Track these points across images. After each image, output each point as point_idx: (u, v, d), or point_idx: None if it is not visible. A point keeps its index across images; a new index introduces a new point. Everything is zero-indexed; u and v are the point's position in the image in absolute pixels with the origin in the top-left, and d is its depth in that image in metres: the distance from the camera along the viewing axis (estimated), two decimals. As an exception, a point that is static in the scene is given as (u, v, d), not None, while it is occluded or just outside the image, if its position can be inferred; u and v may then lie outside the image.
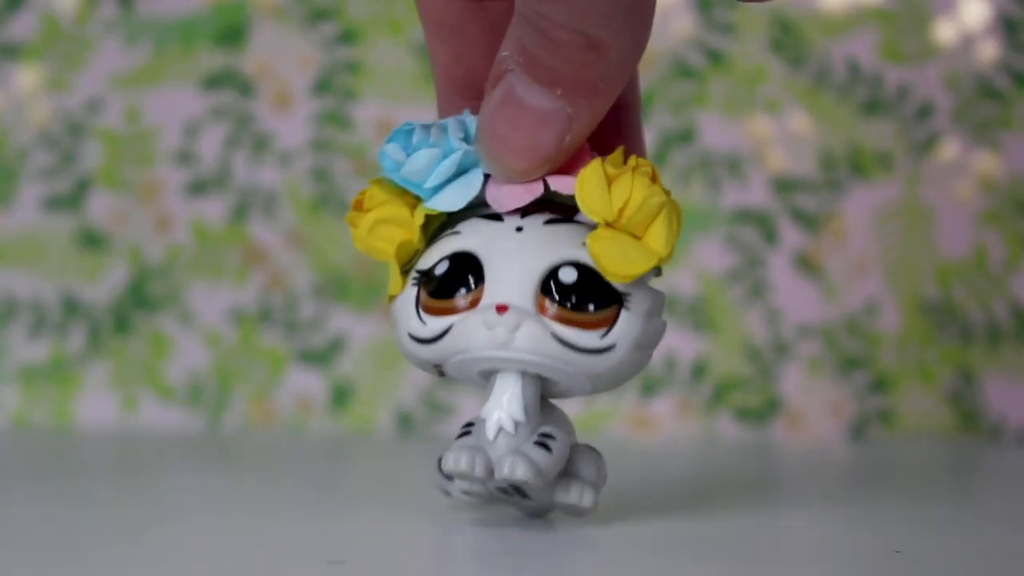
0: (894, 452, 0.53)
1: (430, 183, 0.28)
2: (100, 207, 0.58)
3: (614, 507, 0.31)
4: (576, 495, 0.30)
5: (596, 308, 0.28)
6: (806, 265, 0.57)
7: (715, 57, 0.58)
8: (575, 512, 0.30)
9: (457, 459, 0.28)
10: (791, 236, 0.57)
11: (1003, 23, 0.57)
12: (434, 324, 0.28)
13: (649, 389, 0.57)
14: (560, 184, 0.28)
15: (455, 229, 0.29)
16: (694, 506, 0.35)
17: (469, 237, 0.29)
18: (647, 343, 0.29)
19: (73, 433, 0.56)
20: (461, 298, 0.28)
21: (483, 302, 0.28)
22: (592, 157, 0.28)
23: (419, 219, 0.29)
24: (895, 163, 0.57)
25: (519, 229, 0.28)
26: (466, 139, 0.28)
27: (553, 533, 0.29)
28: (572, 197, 0.28)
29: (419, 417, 0.57)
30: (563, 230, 0.28)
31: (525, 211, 0.29)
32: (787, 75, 0.58)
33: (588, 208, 0.27)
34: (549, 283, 0.28)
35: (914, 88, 0.57)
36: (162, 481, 0.41)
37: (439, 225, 0.29)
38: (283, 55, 0.58)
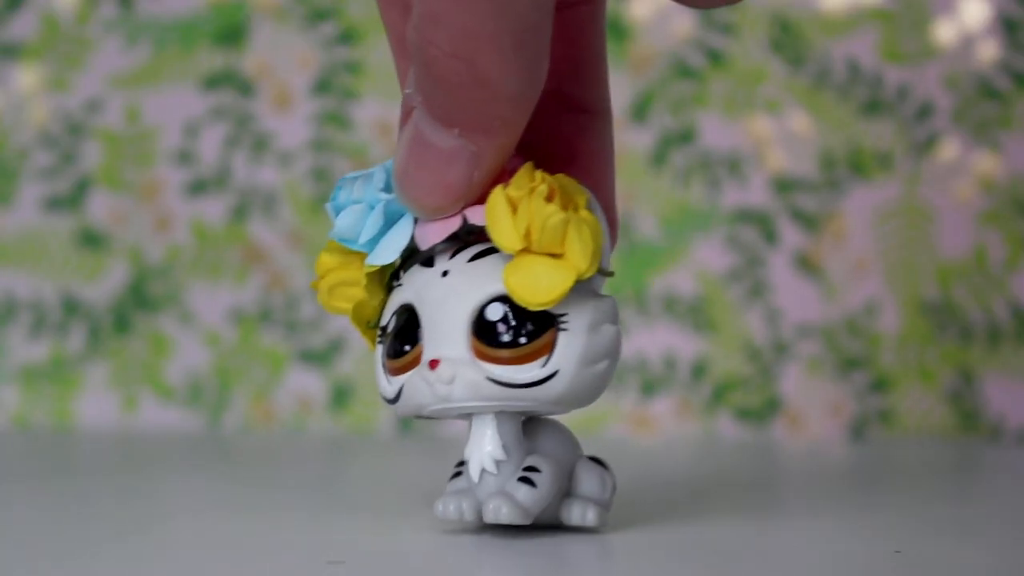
0: (894, 452, 0.53)
1: (363, 238, 0.28)
2: (100, 207, 0.58)
3: (613, 508, 0.31)
4: (578, 515, 0.29)
5: (529, 339, 0.27)
6: (806, 265, 0.57)
7: (715, 57, 0.58)
8: (582, 528, 0.30)
9: (445, 507, 0.29)
10: (791, 236, 0.57)
11: (1003, 23, 0.57)
12: (394, 385, 0.28)
13: (649, 389, 0.57)
14: (476, 216, 0.27)
15: (399, 280, 0.29)
16: (694, 507, 0.35)
17: (407, 288, 0.28)
18: (596, 356, 0.28)
19: (73, 433, 0.56)
20: (407, 355, 0.28)
21: (423, 358, 0.28)
22: (510, 175, 0.27)
23: (362, 279, 0.28)
24: (895, 163, 0.57)
25: (445, 273, 0.28)
26: (390, 186, 0.28)
27: (554, 534, 0.29)
28: None
29: (419, 417, 0.57)
30: (487, 264, 0.28)
31: (456, 250, 0.28)
32: (787, 75, 0.58)
33: (498, 242, 0.27)
34: (478, 324, 0.27)
35: (914, 88, 0.57)
36: (162, 481, 0.41)
37: (389, 271, 0.29)
38: (283, 55, 0.58)
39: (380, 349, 0.29)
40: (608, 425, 0.56)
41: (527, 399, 0.28)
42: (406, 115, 0.27)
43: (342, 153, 0.58)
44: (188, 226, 0.58)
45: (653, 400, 0.57)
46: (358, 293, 0.29)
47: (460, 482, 0.29)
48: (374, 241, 0.28)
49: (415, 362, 0.28)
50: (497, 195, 0.27)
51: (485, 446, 0.28)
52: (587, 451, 0.31)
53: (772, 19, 0.58)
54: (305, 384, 0.57)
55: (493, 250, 0.28)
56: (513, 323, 0.27)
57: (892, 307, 0.57)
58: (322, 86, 0.58)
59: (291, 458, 0.49)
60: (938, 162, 0.57)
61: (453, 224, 0.28)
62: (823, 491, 0.40)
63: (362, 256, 0.29)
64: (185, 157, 0.58)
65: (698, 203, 0.57)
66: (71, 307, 0.58)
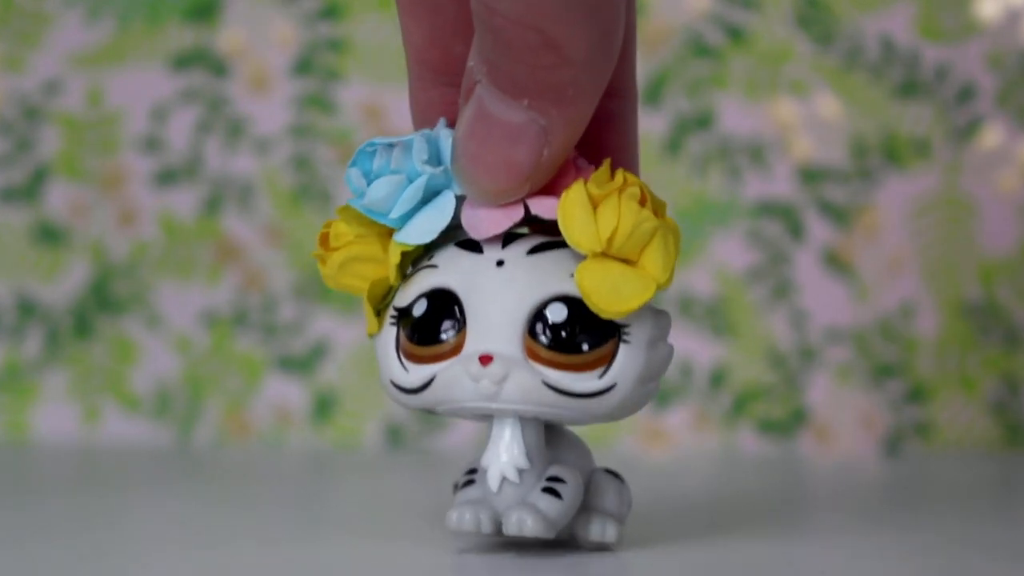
0: (932, 468, 0.53)
1: (395, 213, 0.28)
2: (59, 199, 0.58)
3: (625, 528, 0.31)
4: (597, 531, 0.30)
5: (591, 347, 0.28)
6: (835, 263, 0.57)
7: (735, 33, 0.58)
8: (598, 547, 0.30)
9: (460, 517, 0.28)
10: (819, 231, 0.57)
11: (1052, -4, 0.57)
12: (417, 373, 0.28)
13: (663, 399, 0.57)
14: (541, 208, 0.28)
15: (431, 261, 0.29)
16: (712, 527, 0.35)
17: (447, 272, 0.28)
18: (652, 374, 0.29)
19: (29, 447, 0.56)
20: (443, 344, 0.28)
21: (466, 349, 0.28)
22: (577, 170, 0.28)
23: (395, 257, 0.28)
24: (933, 151, 0.57)
25: (500, 263, 0.28)
26: (433, 159, 0.28)
27: (556, 559, 0.29)
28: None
29: (410, 429, 0.57)
30: (549, 259, 0.28)
31: (507, 237, 0.28)
32: (815, 54, 0.58)
33: (573, 240, 0.27)
34: (536, 324, 0.27)
35: (954, 68, 0.57)
36: (126, 501, 0.41)
37: (416, 253, 0.29)
38: (260, 32, 0.58)
39: (393, 332, 0.29)
40: (618, 438, 0.56)
41: (577, 410, 0.28)
42: (468, 91, 0.27)
43: (325, 139, 0.58)
44: (156, 220, 0.58)
45: (667, 411, 0.57)
46: (375, 270, 0.29)
47: (473, 491, 0.29)
48: (406, 217, 0.28)
49: (452, 353, 0.28)
50: (577, 190, 0.27)
51: (507, 452, 0.28)
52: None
53: (798, -8, 0.58)
54: (284, 394, 0.57)
55: (552, 244, 0.28)
56: (576, 327, 0.27)
57: (930, 309, 0.57)
58: (303, 66, 0.58)
59: (269, 475, 0.49)
60: (981, 149, 0.57)
61: (514, 214, 0.28)
62: (854, 511, 0.40)
63: (382, 229, 0.29)
64: (152, 144, 0.58)
65: (716, 194, 0.57)
66: (27, 309, 0.58)
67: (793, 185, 0.57)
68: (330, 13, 0.58)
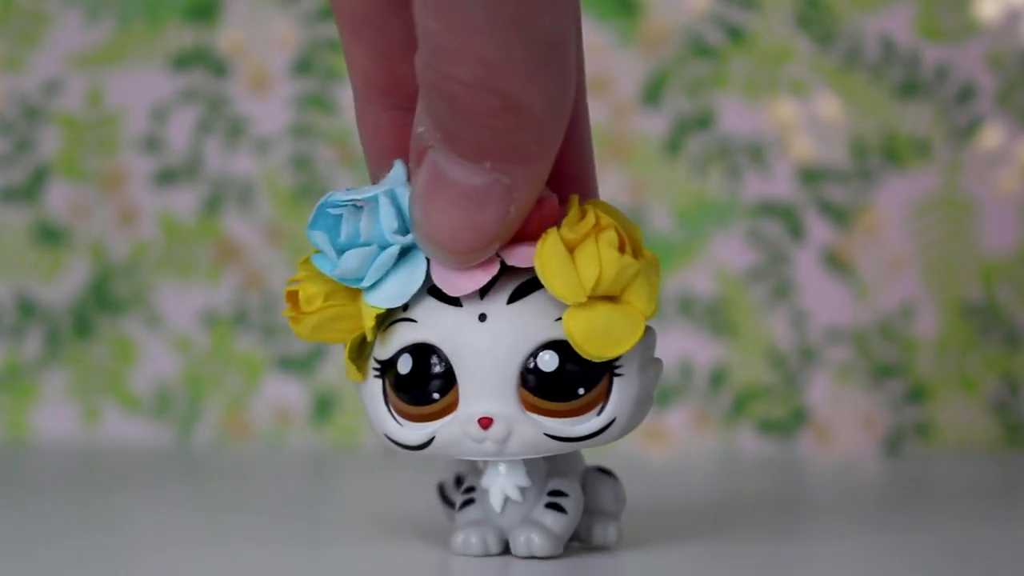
0: (933, 468, 0.53)
1: (368, 281, 0.28)
2: (59, 199, 0.58)
3: (623, 529, 0.31)
4: (600, 535, 0.30)
5: (586, 389, 0.27)
6: (835, 263, 0.57)
7: (735, 34, 0.58)
8: (592, 546, 0.30)
9: (467, 541, 0.29)
10: (819, 231, 0.57)
11: (1052, -4, 0.57)
12: (414, 431, 0.28)
13: (663, 399, 0.57)
14: (517, 258, 0.27)
15: (408, 314, 0.28)
16: (712, 528, 0.35)
17: (427, 327, 0.28)
18: (647, 396, 0.29)
19: (29, 447, 0.56)
20: (436, 403, 0.28)
21: (461, 409, 0.27)
22: (539, 201, 0.27)
23: (369, 321, 0.28)
24: (933, 151, 0.57)
25: (482, 317, 0.27)
26: (402, 228, 0.27)
27: (556, 558, 0.29)
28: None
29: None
30: (531, 305, 0.27)
31: (484, 288, 0.28)
32: (815, 54, 0.58)
33: (555, 292, 0.27)
34: (528, 376, 0.27)
35: (954, 68, 0.57)
36: (127, 501, 0.41)
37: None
38: (260, 32, 0.58)
39: (379, 385, 0.28)
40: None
41: (580, 446, 0.28)
42: (419, 155, 0.26)
43: (325, 139, 0.58)
44: (156, 220, 0.58)
45: (667, 411, 0.57)
46: (351, 326, 0.28)
47: (473, 511, 0.29)
48: (378, 280, 0.28)
49: (447, 411, 0.28)
50: (552, 239, 0.27)
51: (508, 473, 0.29)
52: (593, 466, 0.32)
53: (798, -8, 0.58)
54: (284, 393, 0.57)
55: (530, 286, 0.28)
56: (569, 373, 0.27)
57: (930, 309, 0.57)
58: (303, 66, 0.58)
59: (269, 475, 0.49)
60: (981, 149, 0.57)
61: (491, 268, 0.27)
62: (854, 511, 0.40)
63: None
64: (152, 144, 0.58)
65: (717, 194, 0.57)
66: (27, 309, 0.58)
67: (793, 185, 0.57)
68: (329, 13, 0.58)
